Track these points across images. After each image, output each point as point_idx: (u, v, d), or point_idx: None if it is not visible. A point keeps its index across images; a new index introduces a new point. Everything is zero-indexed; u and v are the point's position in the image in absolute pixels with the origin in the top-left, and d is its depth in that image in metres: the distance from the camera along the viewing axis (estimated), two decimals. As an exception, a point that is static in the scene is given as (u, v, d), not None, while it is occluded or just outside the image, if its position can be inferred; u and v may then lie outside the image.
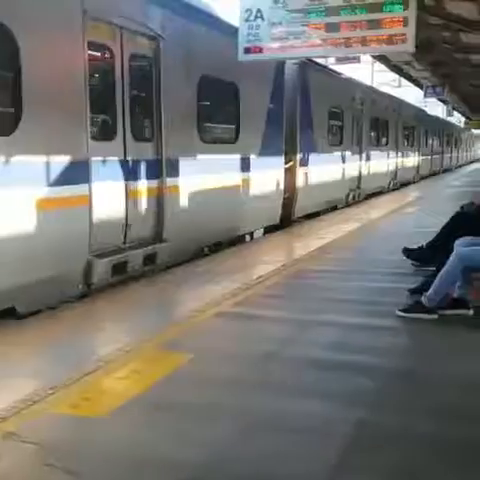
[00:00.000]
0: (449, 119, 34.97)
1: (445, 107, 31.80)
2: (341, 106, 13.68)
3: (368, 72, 26.74)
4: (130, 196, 6.23)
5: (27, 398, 3.24)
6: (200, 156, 7.52)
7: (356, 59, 18.84)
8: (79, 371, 3.62)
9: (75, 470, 2.58)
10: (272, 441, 2.86)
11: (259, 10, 7.24)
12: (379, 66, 24.45)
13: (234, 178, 8.46)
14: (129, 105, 6.18)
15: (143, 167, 6.47)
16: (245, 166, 8.78)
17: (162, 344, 4.20)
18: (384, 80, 28.98)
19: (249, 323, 4.79)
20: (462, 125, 40.99)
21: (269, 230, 10.23)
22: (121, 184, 6.11)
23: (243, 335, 4.50)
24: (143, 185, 6.46)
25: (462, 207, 6.69)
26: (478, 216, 5.96)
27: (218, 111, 8.76)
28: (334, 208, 13.34)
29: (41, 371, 3.78)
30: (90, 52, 5.59)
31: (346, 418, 3.07)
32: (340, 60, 18.20)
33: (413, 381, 3.62)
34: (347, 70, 17.86)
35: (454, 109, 33.75)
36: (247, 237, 9.48)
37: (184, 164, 7.12)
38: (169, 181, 6.78)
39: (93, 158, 5.59)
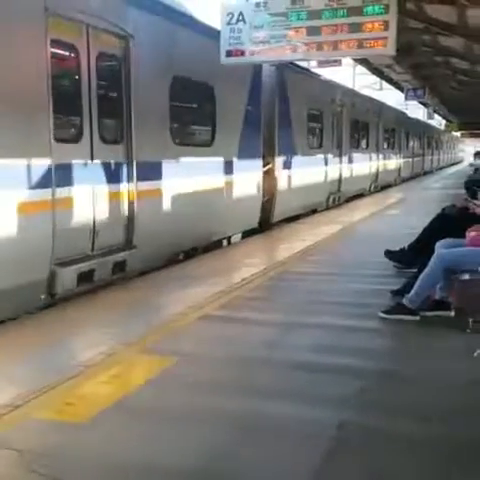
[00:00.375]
0: (430, 122, 35.30)
1: (426, 110, 32.12)
2: (321, 108, 13.61)
3: (349, 75, 26.88)
4: (97, 201, 5.99)
5: (9, 403, 3.22)
6: (173, 159, 7.34)
7: (338, 62, 18.91)
8: (61, 376, 3.59)
9: (59, 477, 2.56)
10: (257, 445, 2.87)
11: (241, 13, 7.29)
12: (360, 69, 24.65)
13: (210, 181, 8.27)
14: (97, 106, 5.96)
15: (112, 170, 6.23)
16: (221, 169, 8.62)
17: (145, 348, 4.18)
18: (365, 83, 29.14)
19: (233, 326, 4.79)
20: (443, 128, 41.39)
21: (248, 234, 10.11)
22: (88, 188, 5.87)
23: (227, 338, 4.50)
24: (112, 189, 6.22)
25: (443, 209, 6.75)
26: (459, 218, 6.02)
27: (192, 113, 8.59)
28: (314, 211, 13.27)
29: (22, 376, 3.74)
30: (53, 50, 5.37)
31: (331, 420, 3.08)
32: (322, 63, 18.31)
33: (397, 382, 3.65)
34: (329, 73, 18.00)
35: (435, 112, 34.08)
36: (224, 242, 9.35)
37: (156, 167, 6.96)
38: (140, 185, 6.56)
39: (57, 161, 5.36)
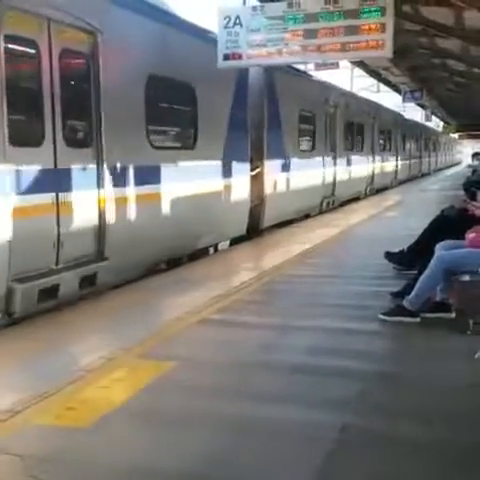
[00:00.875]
0: (427, 124, 35.38)
1: (423, 112, 32.22)
2: (313, 110, 13.23)
3: (347, 77, 26.94)
4: (63, 210, 5.49)
5: (9, 409, 3.21)
6: (150, 163, 6.93)
7: (335, 65, 18.97)
8: (61, 381, 3.59)
9: (59, 482, 2.56)
10: (257, 448, 2.86)
11: (238, 17, 7.31)
12: (358, 71, 24.75)
13: (192, 187, 7.76)
14: (60, 106, 5.47)
15: (79, 176, 5.74)
16: (205, 173, 8.18)
17: (144, 352, 4.18)
18: (363, 85, 29.24)
19: (232, 330, 4.79)
20: (440, 129, 41.49)
21: (236, 241, 9.67)
22: (50, 196, 5.39)
23: (226, 342, 4.49)
24: (79, 196, 5.73)
25: (443, 211, 6.76)
26: (458, 219, 6.02)
27: (172, 114, 8.08)
28: (308, 216, 12.89)
29: (22, 382, 3.74)
30: (9, 46, 4.97)
31: (331, 423, 3.07)
32: (319, 66, 18.35)
33: (397, 384, 3.65)
34: (326, 76, 18.05)
35: (433, 114, 34.20)
36: (211, 250, 8.95)
37: (130, 172, 6.47)
38: (111, 191, 6.10)
39: (13, 166, 4.95)
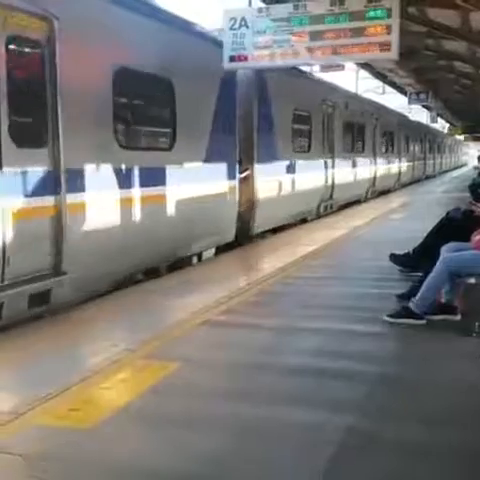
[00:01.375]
0: (433, 125, 35.29)
1: (429, 113, 32.17)
2: (309, 109, 12.62)
3: (353, 79, 26.96)
4: (7, 219, 4.82)
5: (12, 411, 3.20)
6: (119, 165, 6.25)
7: (340, 67, 18.93)
8: (65, 382, 3.58)
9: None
10: (261, 450, 2.84)
11: (243, 19, 7.32)
12: (363, 73, 24.74)
13: (169, 191, 7.12)
14: (7, 101, 4.80)
15: (30, 180, 5.07)
16: (185, 176, 7.50)
17: (149, 354, 4.16)
18: (368, 87, 29.25)
19: (236, 332, 4.77)
20: (446, 131, 41.40)
21: (224, 249, 8.97)
22: None
23: (230, 343, 4.48)
24: (30, 204, 5.06)
25: (448, 213, 6.73)
26: (464, 221, 6.00)
27: (146, 112, 7.35)
28: (304, 221, 12.39)
29: (27, 383, 3.73)
30: None
31: (335, 426, 3.05)
32: (325, 68, 18.32)
33: (402, 387, 3.62)
34: (331, 77, 18.03)
35: (438, 115, 34.13)
36: (194, 259, 8.24)
37: (94, 175, 5.81)
38: (71, 197, 5.42)
39: None
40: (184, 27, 7.64)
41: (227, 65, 7.45)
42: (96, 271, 5.81)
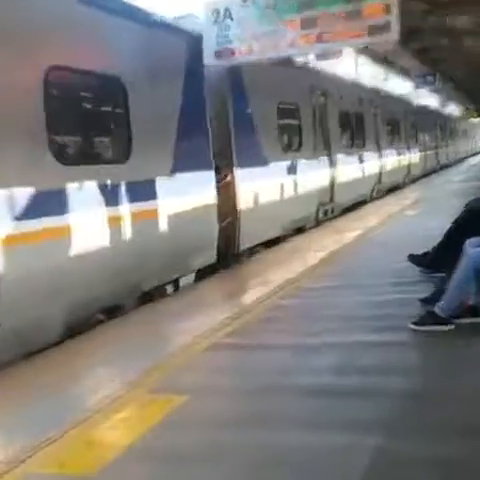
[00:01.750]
0: (444, 109, 35.27)
1: (439, 97, 32.20)
2: (296, 102, 12.05)
3: (352, 66, 27.00)
4: None
5: (12, 460, 3.18)
6: (56, 184, 5.63)
7: (337, 53, 18.91)
8: (65, 424, 3.56)
9: None
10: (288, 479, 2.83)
11: (227, 9, 7.34)
12: (363, 59, 24.76)
13: (125, 211, 6.51)
14: None
15: None
16: (146, 192, 6.97)
17: (153, 386, 4.15)
18: (369, 73, 29.29)
19: (245, 354, 4.76)
20: (459, 114, 41.36)
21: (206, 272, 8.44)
22: None
23: (240, 368, 4.46)
24: None
25: (467, 204, 6.72)
26: (487, 213, 6.00)
27: (91, 119, 6.79)
28: (301, 230, 11.78)
29: (24, 426, 3.71)
30: None
31: (363, 447, 3.04)
32: (320, 56, 18.31)
33: (433, 401, 3.60)
34: (329, 66, 18.00)
35: (449, 98, 34.14)
36: (168, 288, 7.72)
37: (21, 198, 5.18)
38: None
39: None
40: (140, 19, 7.23)
41: (212, 61, 7.45)
42: (36, 319, 5.30)
